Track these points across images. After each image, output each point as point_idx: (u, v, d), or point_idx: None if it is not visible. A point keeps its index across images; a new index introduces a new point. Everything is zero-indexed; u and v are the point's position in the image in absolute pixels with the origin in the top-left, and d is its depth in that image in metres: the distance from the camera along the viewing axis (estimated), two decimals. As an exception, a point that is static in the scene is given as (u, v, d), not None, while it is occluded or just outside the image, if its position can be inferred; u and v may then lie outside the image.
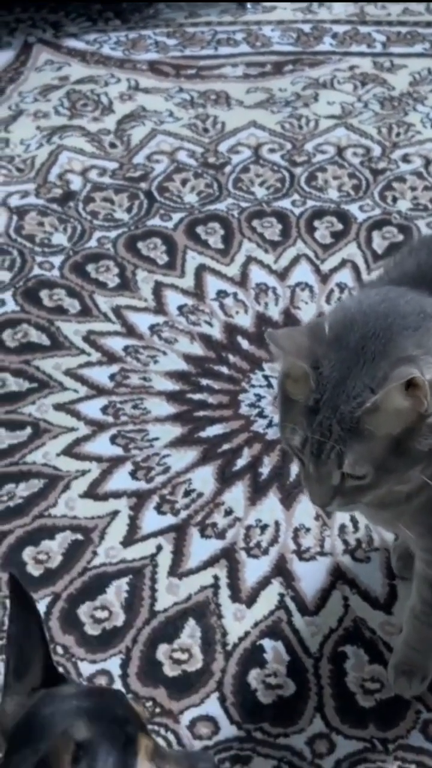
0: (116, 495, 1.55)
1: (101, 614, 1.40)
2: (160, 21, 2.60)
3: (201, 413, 1.67)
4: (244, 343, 1.78)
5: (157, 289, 1.89)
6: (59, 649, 1.36)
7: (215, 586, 1.43)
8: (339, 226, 1.99)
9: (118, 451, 1.61)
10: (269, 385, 1.70)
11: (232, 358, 1.76)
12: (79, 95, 2.36)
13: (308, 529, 1.49)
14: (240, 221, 2.02)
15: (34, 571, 1.45)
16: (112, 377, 1.73)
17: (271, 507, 1.53)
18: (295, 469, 1.57)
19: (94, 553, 1.47)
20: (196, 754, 1.03)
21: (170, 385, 1.71)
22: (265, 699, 1.31)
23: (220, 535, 1.49)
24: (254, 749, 1.26)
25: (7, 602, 1.39)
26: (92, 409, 1.67)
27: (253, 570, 1.45)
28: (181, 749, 1.23)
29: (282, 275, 1.90)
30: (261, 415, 1.66)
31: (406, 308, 1.01)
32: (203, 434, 1.64)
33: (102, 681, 1.33)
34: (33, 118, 2.29)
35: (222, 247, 1.97)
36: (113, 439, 1.63)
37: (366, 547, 1.47)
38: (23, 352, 1.77)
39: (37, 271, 1.92)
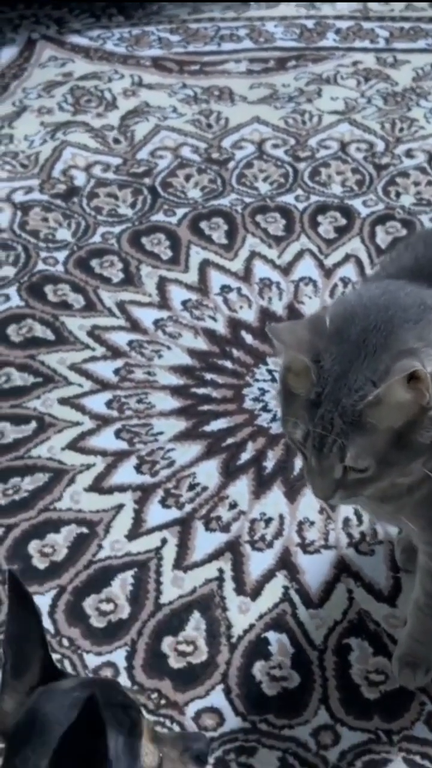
0: (121, 489, 1.56)
1: (106, 607, 1.41)
2: (164, 17, 2.60)
3: (205, 407, 1.67)
4: (248, 338, 1.78)
5: (161, 284, 1.89)
6: (65, 642, 1.37)
7: (220, 579, 1.43)
8: (342, 221, 2.00)
9: (122, 445, 1.62)
10: (273, 380, 1.70)
11: (236, 352, 1.76)
12: (83, 91, 2.36)
13: (312, 523, 1.50)
14: (244, 216, 2.02)
15: (40, 564, 1.46)
16: (116, 372, 1.73)
17: (275, 500, 1.53)
18: (299, 463, 1.58)
19: (100, 547, 1.48)
20: (190, 735, 1.04)
21: (174, 380, 1.72)
22: (270, 691, 1.32)
23: (225, 529, 1.50)
24: (259, 740, 1.26)
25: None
26: (97, 403, 1.68)
27: (257, 563, 1.45)
28: (175, 731, 1.24)
29: (286, 270, 1.91)
30: (265, 409, 1.66)
31: (406, 300, 1.02)
32: (207, 428, 1.64)
33: (108, 673, 1.33)
34: (37, 114, 2.29)
35: (226, 242, 1.97)
36: (118, 434, 1.63)
37: (370, 540, 1.47)
38: (28, 347, 1.78)
39: (41, 266, 1.93)
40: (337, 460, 0.99)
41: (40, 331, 1.81)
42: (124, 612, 1.40)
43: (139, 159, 2.16)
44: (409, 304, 1.01)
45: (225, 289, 1.88)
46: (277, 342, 1.02)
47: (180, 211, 2.03)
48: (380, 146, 2.16)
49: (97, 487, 1.56)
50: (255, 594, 1.42)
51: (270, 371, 1.72)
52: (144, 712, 1.26)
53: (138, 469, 1.58)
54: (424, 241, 1.19)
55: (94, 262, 1.93)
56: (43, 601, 1.41)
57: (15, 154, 2.18)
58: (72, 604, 1.41)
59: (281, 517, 1.51)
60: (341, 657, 1.34)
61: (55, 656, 1.33)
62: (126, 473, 1.58)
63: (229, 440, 1.62)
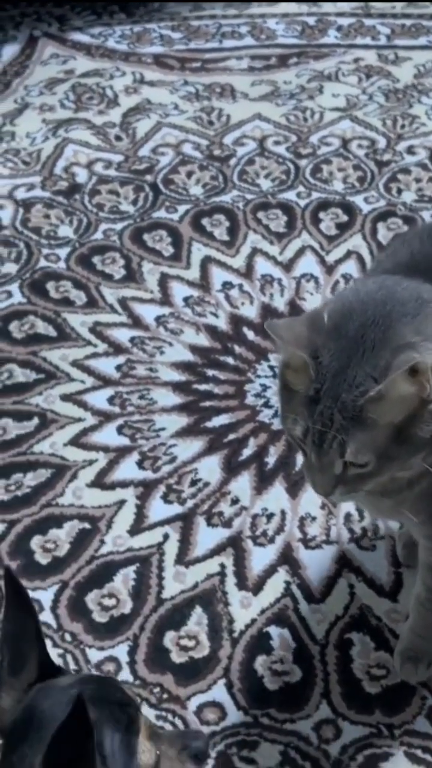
0: (123, 484, 1.56)
1: (109, 602, 1.41)
2: (165, 14, 2.60)
3: (207, 403, 1.68)
4: (250, 334, 1.79)
5: (163, 280, 1.89)
6: (67, 636, 1.37)
7: (222, 574, 1.44)
8: (344, 218, 2.00)
9: (124, 441, 1.62)
10: (275, 376, 1.71)
11: (237, 348, 1.77)
12: (85, 88, 2.36)
13: (314, 518, 1.50)
14: (245, 213, 2.02)
15: (42, 559, 1.46)
16: (118, 368, 1.74)
17: (277, 496, 1.54)
18: (300, 458, 1.58)
19: (102, 542, 1.48)
20: (188, 734, 1.04)
21: (176, 376, 1.72)
22: (272, 685, 1.32)
23: (227, 524, 1.50)
24: (261, 734, 1.27)
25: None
26: (99, 399, 1.68)
27: (259, 558, 1.46)
28: (174, 729, 1.25)
29: (287, 266, 1.91)
30: (267, 405, 1.67)
31: (403, 295, 1.02)
32: (209, 424, 1.65)
33: (110, 668, 1.34)
34: (39, 111, 2.30)
35: (227, 238, 1.97)
36: (120, 429, 1.64)
37: (371, 536, 1.47)
38: (30, 344, 1.78)
39: (43, 263, 1.93)
40: (337, 455, 0.99)
41: (42, 327, 1.81)
42: (126, 607, 1.40)
43: (140, 156, 2.16)
44: (407, 298, 1.01)
45: (226, 285, 1.88)
46: (276, 338, 1.02)
47: (181, 208, 2.04)
48: (382, 143, 2.16)
49: (99, 482, 1.56)
50: (257, 589, 1.42)
51: (271, 367, 1.72)
52: (145, 707, 1.27)
53: (140, 464, 1.59)
54: (420, 237, 1.19)
55: (95, 259, 1.94)
56: (45, 596, 1.41)
57: (17, 151, 2.19)
58: (74, 599, 1.41)
59: (283, 512, 1.51)
60: (343, 652, 1.34)
61: (57, 651, 1.35)
62: (128, 469, 1.58)
63: (231, 436, 1.62)
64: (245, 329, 1.80)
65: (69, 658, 1.35)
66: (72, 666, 1.34)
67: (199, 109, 2.29)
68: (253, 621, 1.38)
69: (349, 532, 1.48)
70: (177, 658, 1.35)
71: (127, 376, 1.72)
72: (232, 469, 1.58)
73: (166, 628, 1.38)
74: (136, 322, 1.82)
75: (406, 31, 2.52)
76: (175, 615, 1.39)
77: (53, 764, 0.83)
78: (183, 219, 2.02)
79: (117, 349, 1.77)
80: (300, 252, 1.94)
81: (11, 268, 1.92)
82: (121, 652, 1.35)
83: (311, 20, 2.56)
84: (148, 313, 1.83)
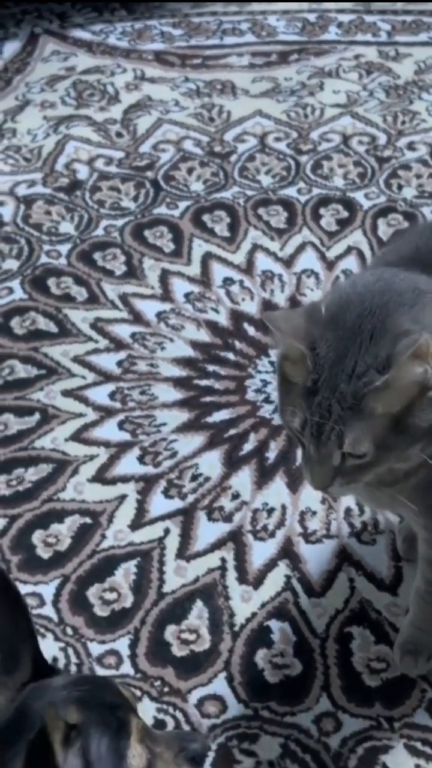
0: (124, 479, 1.57)
1: (110, 596, 1.42)
2: (166, 11, 2.61)
3: (208, 399, 1.68)
4: (251, 330, 1.79)
5: (164, 276, 1.90)
6: (69, 630, 1.38)
7: (222, 568, 1.44)
8: (344, 214, 2.00)
9: (125, 436, 1.63)
10: (275, 371, 1.70)
11: (238, 344, 1.77)
12: (86, 85, 2.37)
13: (314, 513, 1.51)
14: (246, 209, 2.03)
15: (44, 553, 1.47)
16: (119, 364, 1.74)
17: (277, 491, 1.54)
18: (300, 452, 1.58)
19: (103, 536, 1.49)
20: (187, 735, 1.03)
21: (177, 372, 1.73)
22: (272, 678, 1.32)
23: (227, 519, 1.51)
24: (261, 727, 1.27)
25: (18, 584, 1.42)
26: (100, 395, 1.69)
27: (259, 552, 1.46)
28: (172, 730, 1.24)
29: (288, 262, 1.91)
30: (267, 400, 1.67)
31: (401, 286, 1.02)
32: (210, 419, 1.65)
33: (111, 661, 1.34)
34: (40, 108, 2.30)
35: (228, 234, 1.98)
36: (121, 425, 1.64)
37: (372, 530, 1.48)
38: (31, 340, 1.79)
39: (44, 259, 1.94)
40: (335, 447, 0.99)
41: (44, 323, 1.82)
42: (128, 601, 1.41)
43: (141, 152, 2.17)
44: (404, 289, 1.02)
45: (227, 281, 1.89)
46: (274, 330, 1.02)
47: (182, 204, 2.04)
48: (382, 139, 2.17)
49: (100, 477, 1.57)
50: (257, 583, 1.42)
51: (272, 363, 1.73)
52: (146, 700, 1.28)
53: (141, 459, 1.59)
54: (419, 233, 1.20)
55: (96, 255, 1.94)
56: (47, 591, 1.42)
57: (18, 147, 2.19)
58: (75, 594, 1.42)
59: (283, 507, 1.52)
60: (343, 645, 1.35)
61: (59, 645, 1.35)
62: (129, 464, 1.59)
63: (232, 431, 1.63)
64: (246, 325, 1.80)
65: (70, 651, 1.35)
66: (73, 659, 1.34)
67: (200, 106, 2.29)
68: (254, 615, 1.39)
69: (349, 527, 1.48)
70: (178, 651, 1.36)
71: (128, 372, 1.73)
72: (232, 464, 1.58)
73: (167, 621, 1.38)
74: (137, 317, 1.82)
75: (406, 27, 2.52)
76: (176, 609, 1.40)
77: None
78: (184, 215, 2.02)
79: (118, 344, 1.77)
80: (300, 248, 1.94)
81: (12, 264, 1.93)
82: (122, 645, 1.36)
83: (312, 17, 2.57)
84: (149, 309, 1.84)
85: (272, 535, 1.48)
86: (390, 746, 1.25)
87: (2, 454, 1.60)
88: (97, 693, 0.92)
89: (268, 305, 1.83)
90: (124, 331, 1.80)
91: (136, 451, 1.60)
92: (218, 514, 1.52)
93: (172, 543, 1.48)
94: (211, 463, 1.58)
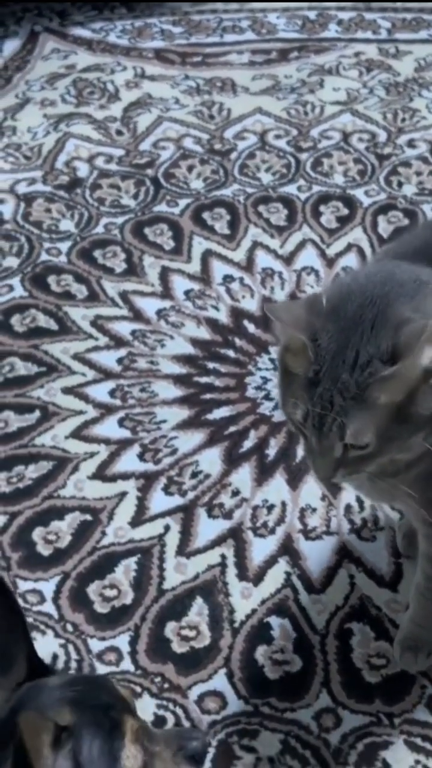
0: (124, 476, 1.57)
1: (110, 593, 1.42)
2: (166, 9, 2.61)
3: (208, 396, 1.68)
4: (251, 327, 1.79)
5: (164, 274, 1.90)
6: (69, 627, 1.38)
7: (222, 565, 1.44)
8: (345, 211, 2.00)
9: (126, 433, 1.63)
10: (275, 368, 1.70)
11: (238, 341, 1.77)
12: (86, 83, 2.37)
13: (314, 509, 1.51)
14: (246, 207, 2.03)
15: (44, 551, 1.47)
16: (119, 361, 1.74)
17: (277, 487, 1.54)
18: (301, 450, 1.59)
19: (103, 533, 1.49)
20: (186, 732, 1.01)
21: (177, 369, 1.73)
22: (272, 675, 1.33)
23: (227, 516, 1.51)
24: (261, 723, 1.28)
25: (18, 581, 1.42)
26: (100, 392, 1.69)
27: (259, 549, 1.46)
28: (171, 728, 1.24)
29: (288, 260, 1.92)
30: (267, 397, 1.67)
31: (402, 276, 1.02)
32: (210, 417, 1.65)
33: (111, 658, 1.35)
34: (40, 106, 2.30)
35: (228, 232, 1.98)
36: (121, 422, 1.65)
37: (372, 527, 1.48)
38: (31, 337, 1.79)
39: (44, 257, 1.94)
40: (336, 438, 0.99)
41: (44, 321, 1.82)
42: (128, 598, 1.41)
43: (141, 150, 2.17)
44: (405, 279, 1.02)
45: (227, 278, 1.89)
46: (275, 320, 1.02)
47: (182, 202, 2.04)
48: (382, 136, 2.17)
49: (100, 474, 1.57)
50: (257, 579, 1.43)
51: (272, 360, 1.73)
52: (147, 697, 1.28)
53: (141, 457, 1.59)
54: (429, 228, 1.20)
55: (97, 253, 1.94)
56: (47, 587, 1.42)
57: (18, 145, 2.19)
58: (76, 590, 1.42)
59: (283, 503, 1.52)
60: (343, 641, 1.35)
61: (59, 641, 1.36)
62: (129, 461, 1.59)
63: (232, 428, 1.63)
64: (246, 322, 1.81)
65: (71, 648, 1.35)
66: (74, 656, 1.34)
67: (200, 104, 2.29)
68: (254, 611, 1.39)
69: (349, 523, 1.49)
70: (178, 648, 1.36)
71: (128, 369, 1.73)
72: (232, 461, 1.59)
73: (167, 618, 1.39)
74: (137, 315, 1.82)
75: (406, 24, 2.52)
76: (176, 605, 1.40)
77: None
78: (184, 213, 2.02)
79: (118, 342, 1.78)
80: (301, 245, 1.94)
81: (13, 261, 1.93)
82: (122, 642, 1.36)
83: (312, 14, 2.57)
84: (149, 306, 1.84)
85: (272, 531, 1.48)
86: (390, 742, 1.25)
87: (2, 451, 1.61)
88: (92, 693, 0.92)
89: (268, 302, 1.83)
90: (124, 328, 1.80)
91: (136, 448, 1.61)
92: (218, 511, 1.52)
93: (173, 540, 1.48)
94: (211, 460, 1.58)
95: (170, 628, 1.38)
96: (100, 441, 1.62)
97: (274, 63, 2.42)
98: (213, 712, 1.29)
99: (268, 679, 1.32)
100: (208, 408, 1.66)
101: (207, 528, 1.49)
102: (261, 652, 1.35)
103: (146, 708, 1.28)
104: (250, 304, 1.84)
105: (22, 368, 1.74)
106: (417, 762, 1.24)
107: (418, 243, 1.17)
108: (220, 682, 1.32)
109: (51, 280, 1.89)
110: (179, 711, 1.29)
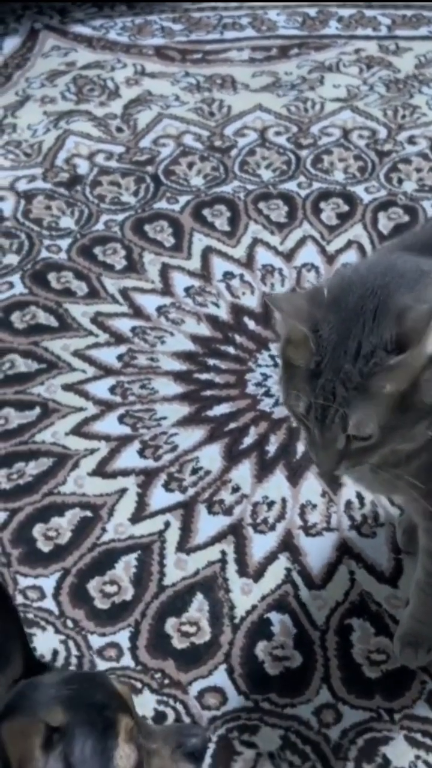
0: (124, 473, 1.57)
1: (110, 589, 1.42)
2: (166, 6, 2.61)
3: (208, 393, 1.68)
4: (251, 324, 1.79)
5: (164, 271, 1.90)
6: (69, 623, 1.38)
7: (223, 561, 1.44)
8: (345, 208, 2.00)
9: (126, 430, 1.63)
10: (275, 365, 1.71)
11: (238, 338, 1.77)
12: (86, 80, 2.37)
13: (315, 506, 1.51)
14: (246, 203, 2.03)
15: (44, 547, 1.47)
16: (119, 358, 1.74)
17: (277, 484, 1.54)
18: (301, 447, 1.59)
19: (103, 530, 1.49)
20: (185, 729, 1.01)
21: (177, 365, 1.73)
22: (273, 670, 1.33)
23: (228, 512, 1.51)
24: (262, 719, 1.28)
25: (18, 577, 1.42)
26: (100, 389, 1.69)
27: (260, 545, 1.46)
28: (171, 724, 1.24)
29: (288, 256, 1.92)
30: (267, 394, 1.67)
31: (403, 267, 1.02)
32: (210, 413, 1.65)
33: (111, 653, 1.35)
34: (40, 103, 2.30)
35: (228, 229, 1.98)
36: (121, 419, 1.65)
37: (372, 523, 1.48)
38: (32, 334, 1.79)
39: (44, 254, 1.94)
40: (339, 430, 0.98)
41: (44, 318, 1.82)
42: (128, 594, 1.41)
43: (141, 147, 2.17)
44: (406, 270, 1.01)
45: (227, 275, 1.89)
46: (276, 311, 1.02)
47: (183, 199, 2.04)
48: (382, 133, 2.17)
49: (100, 471, 1.57)
50: (257, 576, 1.43)
51: (272, 357, 1.73)
52: (147, 693, 1.28)
53: (141, 453, 1.59)
54: None
55: (97, 250, 1.94)
56: (47, 584, 1.42)
57: (18, 143, 2.19)
58: (76, 587, 1.42)
59: (283, 500, 1.52)
60: (343, 637, 1.35)
61: (59, 637, 1.36)
62: (129, 458, 1.59)
63: (232, 425, 1.63)
64: (246, 319, 1.81)
65: (71, 644, 1.36)
66: (74, 652, 1.35)
67: (200, 101, 2.29)
68: (254, 607, 1.39)
69: (349, 520, 1.49)
70: (178, 644, 1.36)
71: (129, 366, 1.73)
72: (232, 457, 1.59)
73: (168, 614, 1.39)
74: (137, 312, 1.82)
75: (406, 21, 2.52)
76: (176, 601, 1.40)
77: None
78: (184, 210, 2.02)
79: (118, 339, 1.78)
80: (301, 242, 1.94)
81: (13, 259, 1.93)
82: (122, 638, 1.36)
83: (312, 11, 2.56)
84: (149, 303, 1.84)
85: (272, 528, 1.48)
86: (390, 737, 1.25)
87: (3, 448, 1.61)
88: (87, 692, 0.91)
89: (269, 294, 1.83)
90: (124, 325, 1.80)
91: (136, 445, 1.61)
92: (218, 507, 1.52)
93: (173, 536, 1.48)
94: (212, 457, 1.59)
95: (170, 624, 1.38)
96: (101, 438, 1.62)
97: (274, 60, 2.41)
98: (213, 708, 1.29)
99: (268, 674, 1.32)
100: (208, 405, 1.66)
101: (207, 524, 1.49)
102: (261, 648, 1.35)
103: (146, 704, 1.29)
104: (251, 301, 1.84)
105: (23, 365, 1.74)
106: (417, 757, 1.24)
107: (425, 237, 1.17)
108: (220, 677, 1.32)
109: (51, 277, 1.89)
110: (179, 707, 1.29)
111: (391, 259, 1.05)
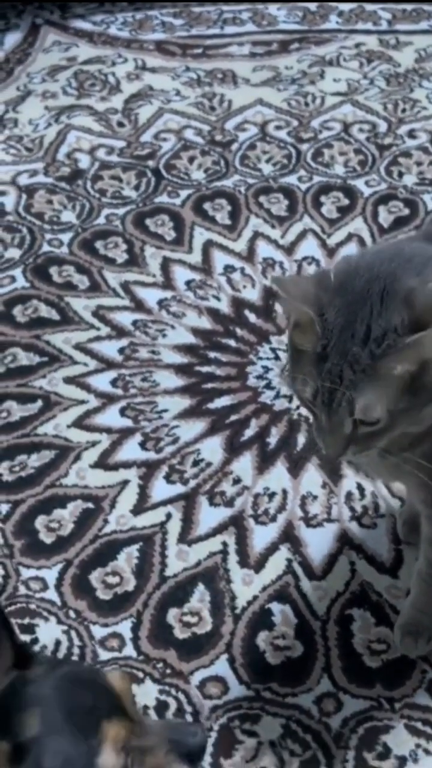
0: (126, 465, 1.58)
1: (112, 580, 1.43)
2: (167, 1, 2.61)
3: (209, 385, 1.69)
4: (252, 317, 1.80)
5: (165, 264, 1.91)
6: (71, 614, 1.39)
7: (224, 552, 1.45)
8: (345, 201, 2.01)
9: (127, 422, 1.64)
10: (276, 358, 1.72)
11: (239, 331, 1.78)
12: (87, 75, 2.37)
13: (315, 497, 1.51)
14: (247, 197, 2.03)
15: (47, 538, 1.48)
16: (121, 351, 1.75)
17: (278, 475, 1.55)
18: (302, 439, 1.59)
19: (105, 521, 1.50)
20: (184, 727, 0.96)
21: (179, 358, 1.73)
22: (274, 660, 1.33)
23: (229, 503, 1.52)
24: (263, 708, 1.28)
25: (21, 569, 1.43)
26: (102, 382, 1.70)
27: (261, 536, 1.47)
28: (170, 720, 1.23)
29: (289, 250, 1.92)
30: (268, 386, 1.68)
31: (411, 252, 1.02)
32: (211, 406, 1.66)
33: (114, 644, 1.35)
34: (41, 98, 2.31)
35: (229, 222, 1.98)
36: (123, 411, 1.65)
37: (372, 514, 1.49)
38: (33, 327, 1.80)
39: (46, 248, 1.94)
40: (346, 413, 0.98)
41: (46, 311, 1.83)
42: (130, 585, 1.42)
43: (142, 142, 2.18)
44: (414, 255, 1.01)
45: (228, 269, 1.89)
46: (282, 293, 1.01)
47: (183, 193, 2.05)
48: (383, 127, 2.17)
49: (102, 463, 1.58)
50: (259, 566, 1.43)
51: (273, 349, 1.74)
52: (149, 682, 1.29)
53: (143, 445, 1.60)
54: None
55: (98, 244, 1.95)
56: (50, 575, 1.43)
57: (20, 137, 2.20)
58: (78, 578, 1.43)
59: (284, 491, 1.53)
60: (343, 627, 1.36)
61: (62, 628, 1.37)
62: (131, 450, 1.60)
63: (233, 417, 1.64)
64: (247, 312, 1.81)
65: (73, 634, 1.36)
66: (76, 642, 1.35)
67: (201, 95, 2.30)
68: (255, 598, 1.40)
69: (350, 511, 1.49)
70: (180, 634, 1.37)
71: (130, 359, 1.74)
72: (234, 449, 1.59)
73: (169, 604, 1.39)
74: (139, 305, 1.83)
75: (407, 15, 2.52)
76: (178, 592, 1.41)
77: None
78: (185, 204, 2.03)
79: (120, 332, 1.78)
80: (301, 235, 1.95)
81: (14, 253, 1.94)
82: (124, 628, 1.37)
83: (312, 6, 2.57)
84: (151, 296, 1.85)
85: (273, 519, 1.49)
86: (391, 726, 1.26)
87: (5, 440, 1.62)
88: (73, 692, 0.87)
89: (269, 292, 1.84)
90: (125, 318, 1.80)
91: (137, 437, 1.61)
92: (220, 498, 1.52)
93: (174, 527, 1.49)
94: (213, 449, 1.59)
95: (172, 615, 1.38)
96: (102, 430, 1.63)
97: (274, 54, 2.42)
98: (215, 698, 1.30)
99: (269, 664, 1.33)
100: (209, 397, 1.67)
101: (208, 516, 1.50)
102: (262, 638, 1.36)
103: (148, 694, 1.29)
104: (251, 294, 1.84)
105: (24, 358, 1.74)
106: (417, 746, 1.25)
107: None
108: (221, 667, 1.33)
109: (53, 270, 1.90)
110: (181, 696, 1.30)
111: (399, 246, 1.05)
